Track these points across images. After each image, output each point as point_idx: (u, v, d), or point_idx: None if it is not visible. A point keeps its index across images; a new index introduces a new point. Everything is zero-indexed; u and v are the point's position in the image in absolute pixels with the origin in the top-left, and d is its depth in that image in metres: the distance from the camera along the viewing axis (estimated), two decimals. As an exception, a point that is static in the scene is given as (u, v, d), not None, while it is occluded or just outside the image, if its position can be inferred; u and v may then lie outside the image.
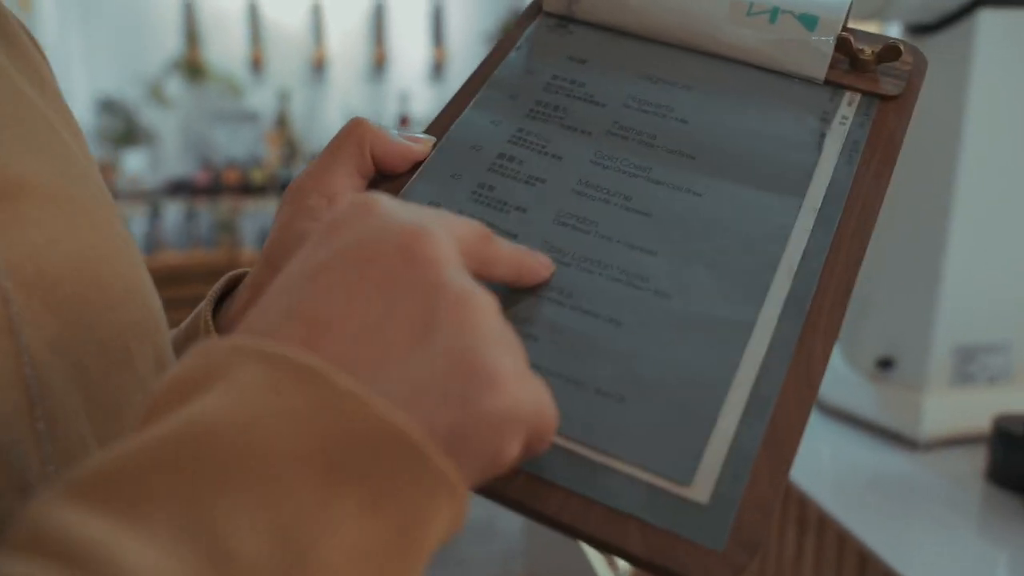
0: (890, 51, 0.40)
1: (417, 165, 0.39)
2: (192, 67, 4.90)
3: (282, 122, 4.74)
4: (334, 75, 4.90)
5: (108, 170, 3.84)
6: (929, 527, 0.78)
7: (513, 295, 0.33)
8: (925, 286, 0.89)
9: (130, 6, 4.89)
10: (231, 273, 0.41)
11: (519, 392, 0.23)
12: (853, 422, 0.93)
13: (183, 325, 0.41)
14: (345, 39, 5.06)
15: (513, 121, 0.41)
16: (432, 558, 0.23)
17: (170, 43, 4.93)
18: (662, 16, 0.43)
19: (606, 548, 0.29)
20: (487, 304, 0.24)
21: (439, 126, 0.41)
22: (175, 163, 4.89)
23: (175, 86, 4.90)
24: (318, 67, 5.04)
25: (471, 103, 0.42)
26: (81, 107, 4.72)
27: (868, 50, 0.40)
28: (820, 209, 0.36)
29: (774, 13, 0.41)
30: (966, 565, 0.72)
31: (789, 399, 0.30)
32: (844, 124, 0.39)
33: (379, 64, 4.80)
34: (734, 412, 0.30)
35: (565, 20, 0.45)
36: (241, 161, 4.63)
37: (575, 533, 0.29)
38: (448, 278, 0.24)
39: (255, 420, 0.20)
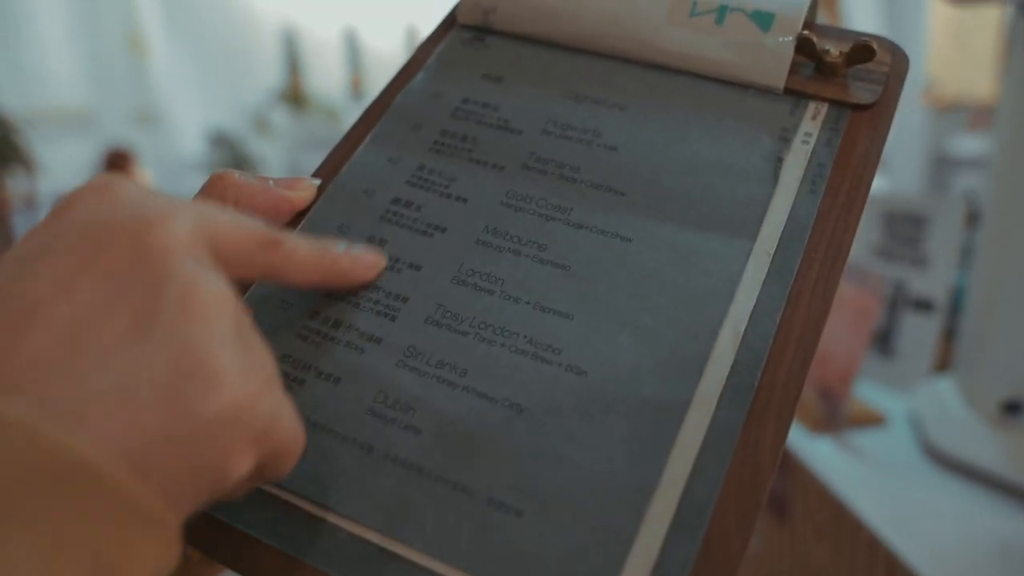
0: (861, 50, 0.33)
1: (303, 215, 0.33)
2: (295, 96, 5.02)
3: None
4: (430, 96, 4.97)
5: (209, 203, 3.94)
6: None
7: (395, 373, 0.28)
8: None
9: (234, 41, 5.05)
10: None
11: (246, 397, 0.21)
12: (973, 477, 0.78)
13: None
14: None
15: (414, 157, 0.34)
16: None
17: (272, 74, 5.07)
18: (590, 21, 0.36)
19: None
20: (219, 297, 0.21)
21: (329, 166, 0.35)
22: (275, 192, 5.02)
23: (279, 116, 5.03)
24: (415, 89, 5.09)
25: (368, 137, 0.36)
26: (195, 141, 4.91)
27: (835, 51, 0.33)
28: (775, 254, 0.29)
29: (722, 12, 0.35)
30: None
31: (730, 506, 0.24)
32: (807, 143, 0.32)
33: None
34: (659, 525, 0.24)
35: (481, 32, 0.38)
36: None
37: None
38: (177, 269, 0.21)
39: None
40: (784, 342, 0.27)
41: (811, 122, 0.33)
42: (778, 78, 0.34)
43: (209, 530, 0.26)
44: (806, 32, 0.33)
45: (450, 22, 0.39)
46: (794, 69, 0.34)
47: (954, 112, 3.62)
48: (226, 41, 5.04)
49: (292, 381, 0.28)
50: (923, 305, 0.92)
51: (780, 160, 0.32)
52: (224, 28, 5.01)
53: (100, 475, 0.19)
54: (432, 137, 0.35)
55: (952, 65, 3.63)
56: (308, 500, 0.26)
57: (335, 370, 0.29)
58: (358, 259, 0.30)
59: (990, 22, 3.25)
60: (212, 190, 0.31)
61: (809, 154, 0.32)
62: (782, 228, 0.30)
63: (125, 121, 4.66)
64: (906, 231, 0.96)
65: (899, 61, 0.34)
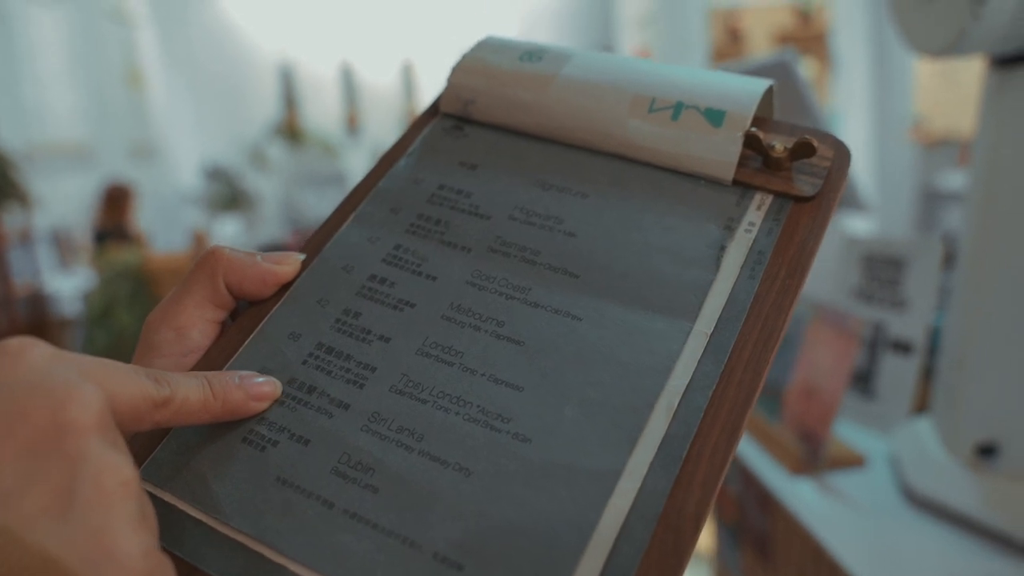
0: (803, 147, 0.35)
1: (288, 287, 0.36)
2: (291, 131, 5.06)
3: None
4: (426, 131, 5.04)
5: (203, 237, 3.96)
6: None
7: (359, 437, 0.31)
8: (1031, 357, 0.75)
9: (231, 76, 5.10)
10: None
11: (148, 575, 0.24)
12: (949, 520, 0.79)
13: None
14: (438, 94, 5.15)
15: (391, 237, 0.37)
16: None
17: (269, 109, 5.11)
18: (560, 115, 0.39)
19: None
20: (126, 480, 0.24)
21: (315, 243, 0.38)
22: (270, 226, 5.04)
23: (275, 150, 5.07)
24: (411, 123, 5.13)
25: (351, 217, 0.39)
26: (191, 175, 4.93)
27: (780, 146, 0.36)
28: (712, 334, 0.32)
29: (678, 108, 0.38)
30: None
31: (652, 567, 0.26)
32: (750, 232, 0.35)
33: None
34: None
35: (462, 121, 0.42)
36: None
37: None
38: (89, 451, 0.24)
39: None
40: (714, 417, 0.29)
41: (756, 212, 0.35)
42: (727, 171, 0.36)
43: (182, 572, 0.28)
44: (754, 129, 0.36)
45: (434, 110, 0.43)
46: (743, 162, 0.36)
47: (943, 148, 3.67)
48: (223, 76, 5.09)
49: (267, 443, 0.31)
50: (902, 347, 0.94)
51: (723, 248, 0.34)
52: (221, 63, 5.06)
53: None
54: (409, 219, 0.38)
55: (940, 101, 3.68)
56: (273, 549, 0.28)
57: (306, 432, 0.31)
58: (251, 391, 0.31)
59: (978, 59, 3.29)
60: (203, 266, 0.34)
61: (751, 242, 0.34)
62: (720, 311, 0.32)
63: (122, 155, 4.69)
64: (885, 274, 0.98)
65: (841, 156, 0.36)
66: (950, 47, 0.71)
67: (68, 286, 3.72)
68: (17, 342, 0.25)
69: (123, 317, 3.14)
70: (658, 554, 0.26)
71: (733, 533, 1.04)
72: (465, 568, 0.27)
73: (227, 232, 4.65)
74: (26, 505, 0.22)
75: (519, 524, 0.28)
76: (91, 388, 0.25)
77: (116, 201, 3.88)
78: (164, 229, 4.70)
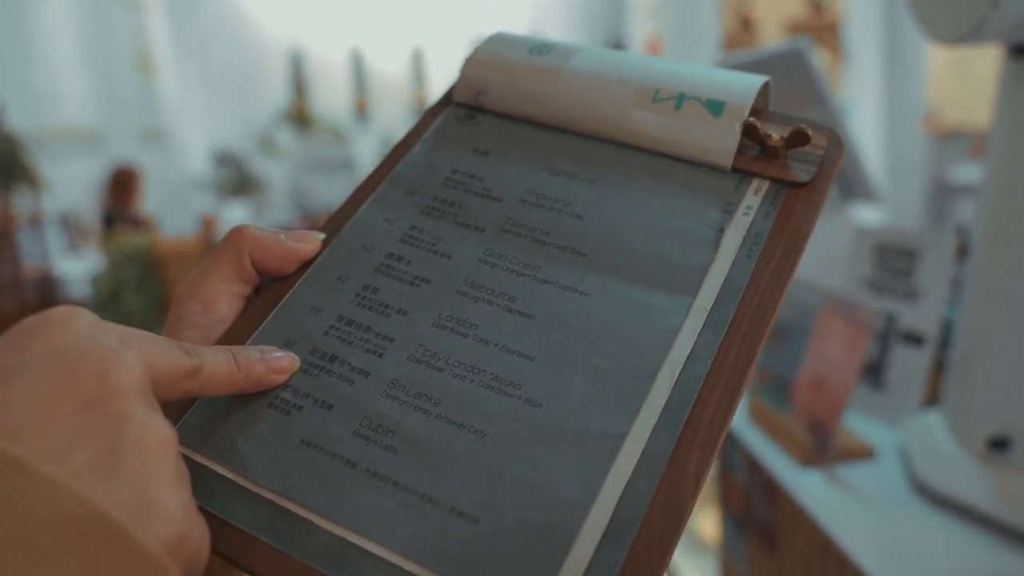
0: (798, 136, 0.37)
1: (309, 264, 0.38)
2: (300, 117, 5.06)
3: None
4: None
5: (212, 221, 3.96)
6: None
7: (379, 402, 0.33)
8: (1045, 350, 0.74)
9: (241, 61, 5.09)
10: None
11: (187, 528, 0.26)
12: (961, 514, 0.78)
13: None
14: (447, 81, 5.15)
15: (407, 218, 0.39)
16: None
17: (279, 95, 5.11)
18: (568, 105, 0.42)
19: None
20: (166, 440, 0.26)
21: (334, 223, 0.40)
22: (278, 212, 5.04)
23: (285, 136, 5.07)
24: (420, 110, 5.13)
25: (369, 199, 0.41)
26: (200, 160, 4.93)
27: (776, 135, 0.38)
28: (711, 309, 0.34)
29: (680, 99, 0.40)
30: None
31: (654, 525, 0.28)
32: (748, 215, 0.37)
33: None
34: (592, 537, 0.28)
35: (474, 110, 0.44)
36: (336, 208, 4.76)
37: None
38: (133, 412, 0.25)
39: None
40: (713, 384, 0.31)
41: (753, 196, 0.38)
42: (726, 159, 0.39)
43: (214, 527, 0.30)
44: (752, 119, 0.38)
45: (447, 99, 0.45)
46: (742, 150, 0.39)
47: (955, 140, 3.64)
48: (233, 61, 5.08)
49: (292, 407, 0.33)
50: (914, 338, 0.93)
51: (722, 230, 0.37)
52: (231, 48, 5.06)
53: (122, 529, 0.23)
54: (424, 202, 0.40)
55: (953, 93, 3.65)
56: (299, 505, 0.30)
57: (328, 398, 0.33)
58: (271, 364, 0.33)
59: (991, 50, 3.27)
60: (229, 243, 0.36)
61: (748, 225, 0.37)
62: (719, 288, 0.35)
63: (132, 140, 4.70)
64: (898, 264, 0.97)
65: (835, 144, 0.39)
66: (968, 35, 0.69)
67: (77, 269, 3.73)
68: (63, 311, 0.27)
69: (131, 301, 3.14)
70: (661, 509, 0.28)
71: (739, 524, 1.04)
72: (481, 521, 0.29)
73: (236, 217, 4.65)
74: (75, 461, 0.24)
75: (531, 481, 0.30)
76: (132, 354, 0.26)
77: (124, 184, 3.88)
78: (173, 214, 4.70)
